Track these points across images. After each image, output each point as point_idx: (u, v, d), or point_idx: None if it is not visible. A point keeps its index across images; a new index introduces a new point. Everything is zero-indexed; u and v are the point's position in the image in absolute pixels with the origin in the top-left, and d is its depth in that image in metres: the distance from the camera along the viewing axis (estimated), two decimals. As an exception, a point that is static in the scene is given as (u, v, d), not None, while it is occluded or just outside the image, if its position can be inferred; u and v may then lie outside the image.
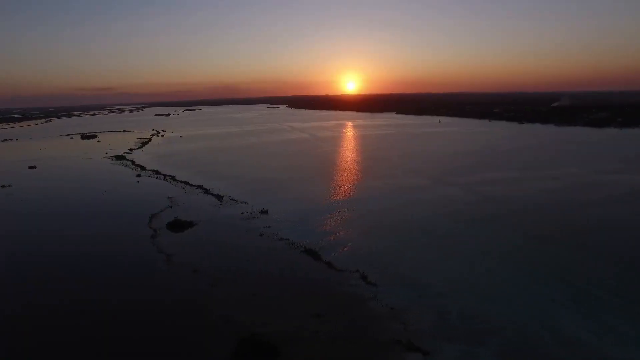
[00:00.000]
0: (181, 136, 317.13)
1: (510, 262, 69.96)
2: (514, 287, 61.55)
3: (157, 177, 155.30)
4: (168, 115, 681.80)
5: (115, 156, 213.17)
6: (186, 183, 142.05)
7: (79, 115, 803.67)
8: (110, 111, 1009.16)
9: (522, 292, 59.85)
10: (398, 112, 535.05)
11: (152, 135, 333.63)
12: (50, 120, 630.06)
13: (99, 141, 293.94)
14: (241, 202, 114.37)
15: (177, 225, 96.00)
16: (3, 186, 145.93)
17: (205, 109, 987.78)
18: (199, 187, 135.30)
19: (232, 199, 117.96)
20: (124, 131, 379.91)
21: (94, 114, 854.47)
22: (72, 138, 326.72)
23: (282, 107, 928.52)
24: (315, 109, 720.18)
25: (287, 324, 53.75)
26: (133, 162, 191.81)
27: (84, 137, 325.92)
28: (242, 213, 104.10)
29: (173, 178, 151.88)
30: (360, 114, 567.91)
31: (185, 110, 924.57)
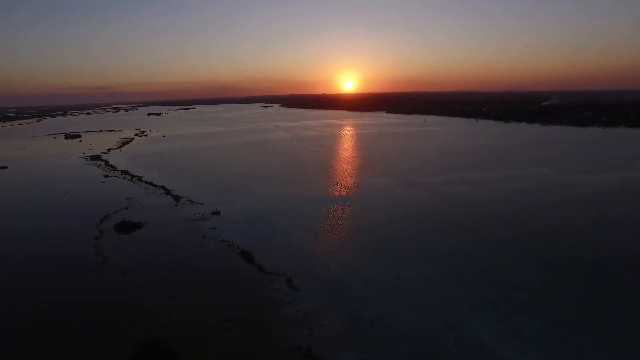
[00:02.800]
0: (164, 136, 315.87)
1: (447, 267, 68.54)
2: (440, 292, 60.39)
3: (124, 178, 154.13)
4: (160, 114, 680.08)
5: (91, 156, 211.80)
6: (151, 184, 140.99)
7: (71, 115, 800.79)
8: (104, 110, 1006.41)
9: (445, 298, 58.72)
10: (388, 112, 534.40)
11: (136, 134, 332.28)
12: (40, 120, 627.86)
13: (81, 141, 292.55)
14: (197, 203, 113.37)
15: (124, 227, 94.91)
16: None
17: (199, 108, 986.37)
18: (162, 187, 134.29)
19: (189, 200, 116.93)
20: (109, 131, 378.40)
21: (87, 113, 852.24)
22: (55, 138, 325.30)
23: (276, 106, 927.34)
24: (307, 108, 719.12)
25: (196, 327, 52.84)
26: (106, 163, 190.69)
27: (68, 136, 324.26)
28: (194, 214, 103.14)
29: (140, 179, 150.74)
30: (351, 113, 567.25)
31: (179, 109, 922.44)
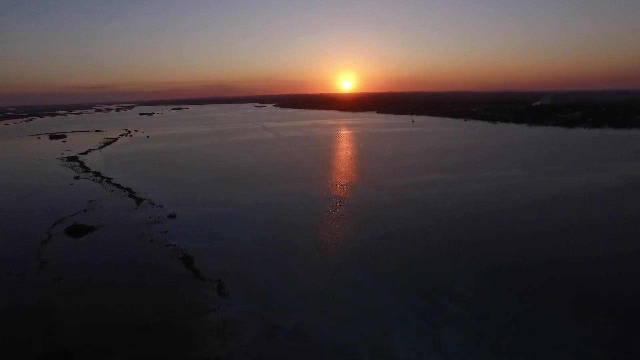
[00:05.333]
0: (148, 136, 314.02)
1: (386, 275, 66.70)
2: (370, 301, 58.54)
3: (94, 180, 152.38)
4: (151, 114, 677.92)
5: (68, 157, 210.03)
6: (118, 186, 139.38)
7: (64, 114, 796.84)
8: (98, 110, 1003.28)
9: (374, 307, 56.93)
10: (379, 112, 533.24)
11: (121, 135, 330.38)
12: (31, 119, 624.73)
13: (64, 141, 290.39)
14: (157, 206, 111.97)
15: (75, 230, 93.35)
16: None
17: (193, 108, 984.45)
18: (128, 190, 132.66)
19: (150, 203, 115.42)
20: (96, 131, 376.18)
21: (81, 113, 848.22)
22: (39, 138, 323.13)
23: (269, 106, 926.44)
24: (301, 108, 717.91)
25: (110, 336, 51.41)
26: (81, 164, 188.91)
27: (52, 137, 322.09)
28: (150, 217, 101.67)
29: (109, 181, 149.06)
30: (342, 113, 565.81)
31: (172, 109, 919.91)
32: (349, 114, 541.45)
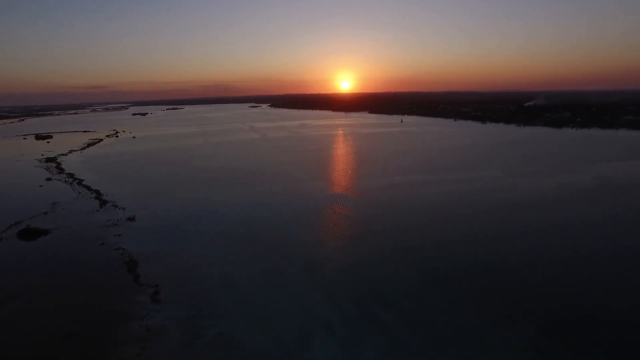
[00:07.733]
0: (134, 137, 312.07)
1: (326, 281, 64.70)
2: (301, 309, 56.70)
3: (65, 182, 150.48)
4: (145, 114, 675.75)
5: (47, 158, 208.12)
6: (88, 188, 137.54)
7: (58, 115, 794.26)
8: (94, 110, 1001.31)
9: (303, 316, 55.06)
10: (371, 112, 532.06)
11: (108, 135, 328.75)
12: (23, 120, 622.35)
13: (48, 142, 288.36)
14: (120, 208, 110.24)
15: (27, 234, 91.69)
16: None
17: (188, 108, 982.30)
18: (96, 192, 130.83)
19: (114, 205, 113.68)
20: (84, 131, 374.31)
21: (75, 113, 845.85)
22: (25, 138, 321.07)
23: (264, 106, 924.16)
24: (295, 108, 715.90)
25: (26, 346, 49.82)
26: (58, 165, 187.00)
27: (38, 137, 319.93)
28: (109, 220, 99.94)
29: (80, 182, 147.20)
30: (335, 113, 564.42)
31: (167, 109, 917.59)
32: (342, 114, 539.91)
